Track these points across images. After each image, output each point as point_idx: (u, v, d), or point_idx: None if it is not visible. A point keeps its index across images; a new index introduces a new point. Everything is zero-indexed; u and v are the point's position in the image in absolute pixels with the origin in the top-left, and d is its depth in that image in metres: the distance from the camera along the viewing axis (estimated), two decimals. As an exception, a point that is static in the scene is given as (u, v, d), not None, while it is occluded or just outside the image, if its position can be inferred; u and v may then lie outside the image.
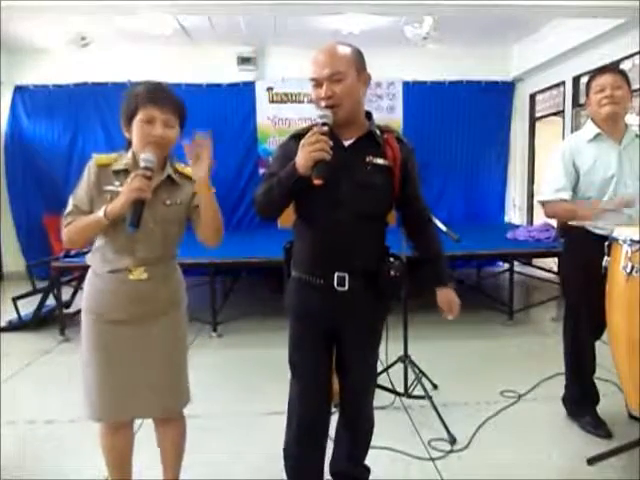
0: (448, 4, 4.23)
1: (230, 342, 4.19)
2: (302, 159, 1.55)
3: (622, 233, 2.17)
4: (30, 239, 6.36)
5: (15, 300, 4.51)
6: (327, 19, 5.25)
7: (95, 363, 1.75)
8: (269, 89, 6.48)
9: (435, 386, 3.13)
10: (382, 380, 2.95)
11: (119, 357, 1.74)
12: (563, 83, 5.92)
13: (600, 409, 2.63)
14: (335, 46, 1.67)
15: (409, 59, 6.33)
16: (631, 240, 2.11)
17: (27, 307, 4.57)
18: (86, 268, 1.82)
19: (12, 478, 2.31)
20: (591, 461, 2.31)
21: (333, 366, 1.88)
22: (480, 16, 5.06)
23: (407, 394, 2.93)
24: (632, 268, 2.09)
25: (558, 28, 5.46)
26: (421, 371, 3.00)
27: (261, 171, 6.29)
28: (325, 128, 1.58)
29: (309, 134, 1.57)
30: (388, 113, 6.55)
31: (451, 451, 2.48)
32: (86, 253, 1.83)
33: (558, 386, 2.83)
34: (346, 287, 1.71)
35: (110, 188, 1.68)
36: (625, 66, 4.73)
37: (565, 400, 2.75)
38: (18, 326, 4.50)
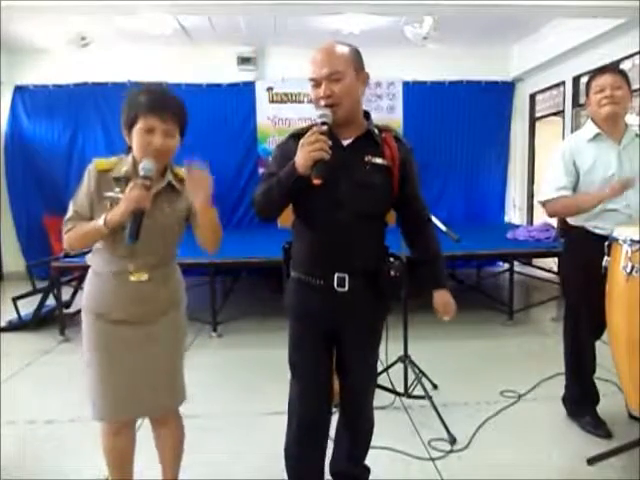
0: (448, 4, 4.23)
1: (230, 342, 4.19)
2: (301, 159, 1.55)
3: (622, 233, 2.17)
4: (30, 239, 6.36)
5: (15, 300, 4.51)
6: (327, 19, 5.25)
7: (96, 363, 1.75)
8: (269, 89, 6.48)
9: (435, 386, 3.13)
10: (382, 380, 2.95)
11: (119, 357, 1.74)
12: (563, 83, 5.93)
13: (600, 409, 2.63)
14: (333, 45, 1.67)
15: (409, 59, 6.33)
16: (631, 240, 2.11)
17: (27, 307, 4.57)
18: (86, 268, 1.81)
19: (12, 478, 2.31)
20: (591, 461, 2.31)
21: (333, 366, 1.88)
22: (480, 16, 5.06)
23: (407, 394, 2.93)
24: (632, 268, 2.10)
25: (558, 28, 5.46)
26: (421, 371, 3.00)
27: (261, 171, 6.28)
28: (324, 127, 1.58)
29: (308, 134, 1.57)
30: (388, 113, 6.55)
31: (451, 451, 2.48)
32: (86, 253, 1.82)
33: (558, 386, 2.83)
34: (346, 288, 1.70)
35: (110, 195, 1.67)
36: (625, 66, 4.73)
37: (565, 400, 2.75)
38: (18, 326, 4.49)
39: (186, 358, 1.90)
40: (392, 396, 2.93)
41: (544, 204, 2.56)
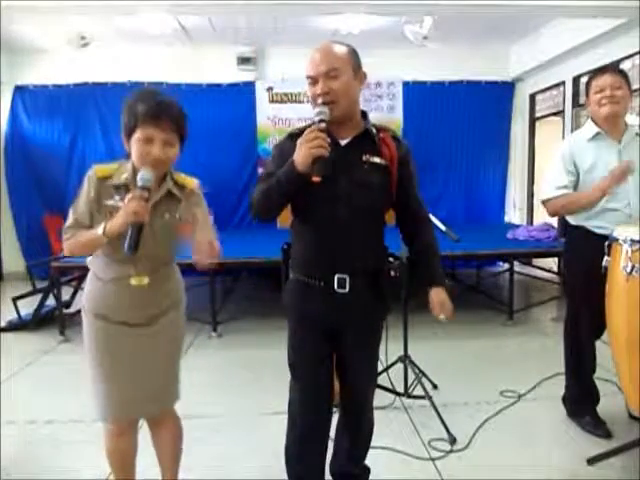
0: (448, 4, 4.24)
1: (230, 342, 4.19)
2: (301, 156, 1.55)
3: (622, 233, 2.17)
4: (30, 239, 6.36)
5: (15, 300, 4.51)
6: (327, 19, 5.26)
7: (97, 364, 1.75)
8: (269, 89, 6.48)
9: (435, 386, 3.13)
10: (382, 380, 2.94)
11: (120, 357, 1.74)
12: (563, 83, 5.93)
13: (600, 409, 2.63)
14: (331, 45, 1.67)
15: (409, 59, 6.33)
16: (631, 240, 2.11)
17: (27, 307, 4.58)
18: (86, 268, 1.81)
19: (12, 478, 2.31)
20: (591, 461, 2.31)
21: (333, 366, 1.88)
22: (480, 16, 5.06)
23: (407, 394, 2.93)
24: (632, 268, 2.10)
25: (558, 28, 5.46)
26: (421, 371, 3.00)
27: (260, 171, 6.28)
28: (323, 125, 1.58)
29: (307, 131, 1.57)
30: (388, 113, 6.55)
31: (451, 451, 2.48)
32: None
33: (558, 386, 2.83)
34: (347, 289, 1.70)
35: (110, 203, 1.66)
36: (625, 66, 4.73)
37: (565, 400, 2.75)
38: (18, 326, 4.49)
39: (186, 358, 1.90)
40: (392, 396, 2.93)
41: (545, 203, 2.56)
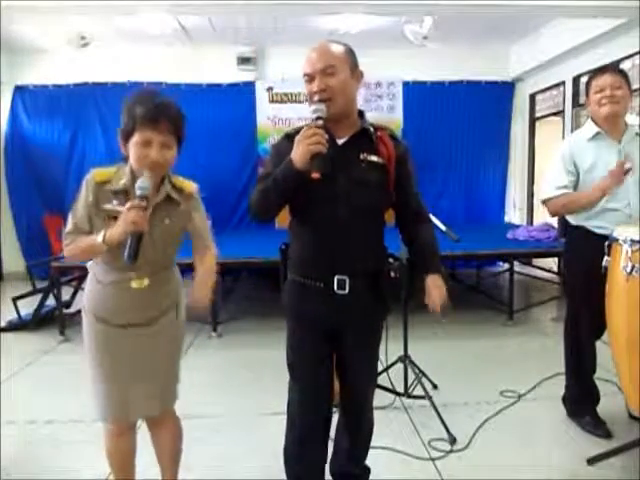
0: (448, 4, 4.24)
1: (230, 342, 4.19)
2: (299, 153, 1.54)
3: (622, 233, 2.17)
4: (30, 239, 6.36)
5: (15, 300, 4.51)
6: (327, 19, 5.26)
7: (97, 364, 1.76)
8: (269, 89, 6.48)
9: (435, 386, 3.13)
10: (382, 380, 2.94)
11: (120, 357, 1.74)
12: (563, 83, 5.93)
13: (600, 409, 2.63)
14: (328, 43, 1.67)
15: (409, 59, 6.33)
16: (631, 240, 2.11)
17: (27, 307, 4.58)
18: (86, 268, 1.81)
19: (12, 478, 2.31)
20: (591, 461, 2.31)
21: (333, 367, 1.88)
22: (480, 16, 5.06)
23: (407, 394, 2.93)
24: (632, 268, 2.09)
25: (558, 28, 5.46)
26: (421, 371, 3.00)
27: (261, 170, 6.29)
28: (320, 121, 1.57)
29: (305, 128, 1.57)
30: (388, 113, 6.55)
31: (451, 451, 2.48)
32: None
33: (558, 386, 2.83)
34: (346, 290, 1.69)
35: (108, 207, 1.66)
36: (625, 66, 4.73)
37: (565, 400, 2.75)
38: (18, 326, 4.49)
39: (186, 358, 1.90)
40: (392, 396, 2.93)
41: (545, 203, 2.56)
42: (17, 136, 6.38)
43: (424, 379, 3.00)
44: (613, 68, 2.75)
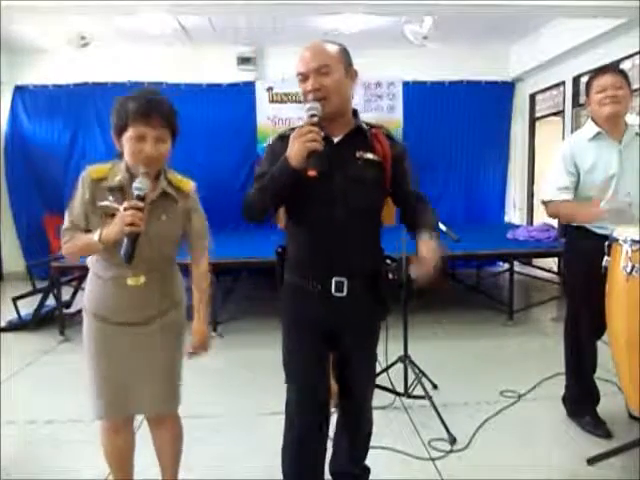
0: (448, 4, 4.24)
1: (230, 342, 4.19)
2: (294, 151, 1.53)
3: (622, 233, 2.17)
4: (30, 239, 6.36)
5: (15, 300, 4.51)
6: (327, 19, 5.25)
7: (95, 362, 1.76)
8: (269, 89, 6.48)
9: (435, 386, 3.13)
10: (382, 380, 2.95)
11: (117, 356, 1.74)
12: (563, 83, 5.93)
13: (600, 409, 2.63)
14: (322, 43, 1.66)
15: (409, 59, 6.33)
16: (631, 240, 2.11)
17: (27, 307, 4.58)
18: (86, 268, 1.82)
19: (12, 478, 2.31)
20: (591, 461, 2.31)
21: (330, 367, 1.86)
22: (480, 16, 5.06)
23: (407, 394, 2.92)
24: (632, 268, 2.09)
25: (558, 28, 5.46)
26: (421, 371, 3.00)
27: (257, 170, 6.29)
28: (315, 119, 1.56)
29: (299, 126, 1.56)
30: (388, 113, 6.55)
31: (451, 451, 2.48)
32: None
33: (558, 386, 2.84)
34: (344, 292, 1.68)
35: (105, 204, 1.66)
36: (625, 66, 4.73)
37: (565, 400, 2.75)
38: (18, 326, 4.49)
39: (185, 359, 1.90)
40: (392, 396, 2.93)
41: (545, 204, 2.56)
42: (17, 136, 6.38)
43: (424, 379, 3.00)
44: (614, 68, 2.75)
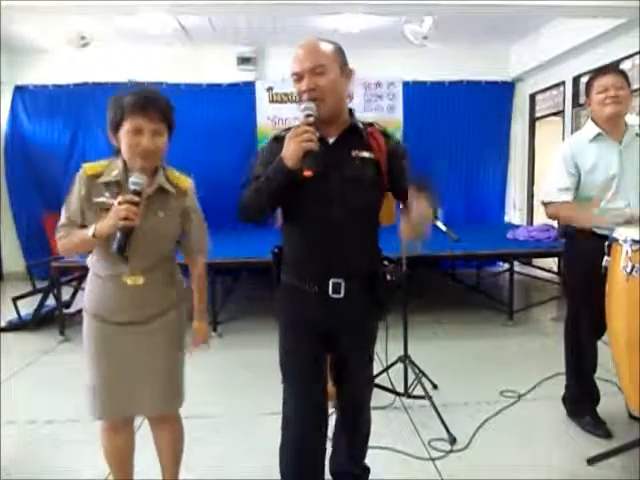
0: (448, 4, 4.24)
1: (230, 342, 4.19)
2: (290, 151, 1.51)
3: (622, 233, 2.17)
4: (30, 239, 6.37)
5: (15, 300, 4.51)
6: (327, 19, 5.25)
7: (94, 363, 1.76)
8: (269, 89, 6.48)
9: (435, 386, 3.13)
10: (382, 380, 2.95)
11: (118, 356, 1.74)
12: (563, 83, 5.93)
13: (600, 409, 2.63)
14: (316, 41, 1.64)
15: (409, 59, 6.33)
16: (631, 240, 2.11)
17: (27, 307, 4.57)
18: (86, 268, 1.82)
19: (12, 478, 2.31)
20: (591, 461, 2.32)
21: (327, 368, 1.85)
22: (480, 16, 5.07)
23: (407, 394, 2.92)
24: (632, 268, 2.09)
25: (558, 28, 5.46)
26: (421, 371, 3.00)
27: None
28: (311, 119, 1.54)
29: (294, 127, 1.55)
30: (388, 113, 6.55)
31: (451, 451, 2.48)
32: (87, 253, 1.82)
33: (558, 386, 2.84)
34: (342, 294, 1.66)
35: (101, 200, 1.66)
36: (625, 66, 4.73)
37: (565, 400, 2.75)
38: (18, 326, 4.49)
39: (186, 358, 1.90)
40: (392, 396, 2.93)
41: (545, 205, 2.56)
42: (17, 136, 6.38)
43: (424, 379, 3.00)
44: (615, 68, 2.76)
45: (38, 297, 4.60)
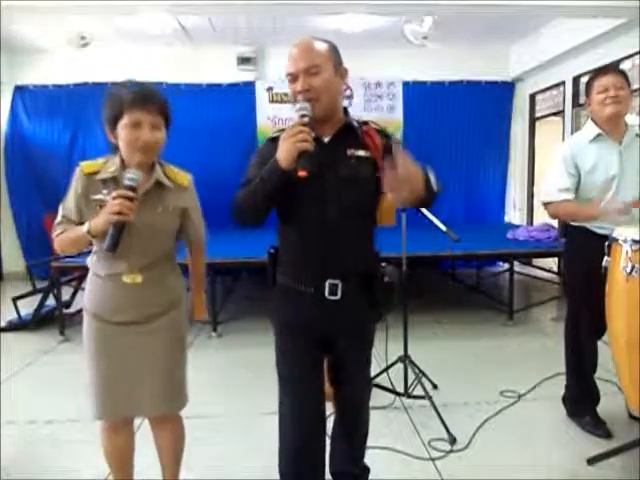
0: (448, 4, 4.24)
1: (230, 342, 4.19)
2: (284, 151, 1.50)
3: (622, 233, 2.17)
4: (30, 239, 6.37)
5: (15, 300, 4.51)
6: (327, 19, 5.25)
7: (94, 363, 1.76)
8: (269, 89, 6.48)
9: (435, 386, 3.13)
10: (382, 380, 2.95)
11: (118, 356, 1.74)
12: (563, 83, 5.93)
13: (600, 409, 2.63)
14: (310, 40, 1.62)
15: (409, 59, 6.33)
16: (631, 240, 2.11)
17: (27, 307, 4.58)
18: (86, 268, 1.81)
19: (12, 478, 2.31)
20: (591, 461, 2.31)
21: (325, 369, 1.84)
22: (480, 16, 5.07)
23: (407, 394, 2.92)
24: (632, 268, 2.09)
25: (558, 28, 5.46)
26: (421, 371, 3.00)
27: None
28: (305, 119, 1.53)
29: (289, 127, 1.54)
30: (388, 113, 6.55)
31: (451, 451, 2.48)
32: (87, 253, 1.82)
33: (558, 386, 2.84)
34: (338, 295, 1.64)
35: (98, 197, 1.66)
36: (625, 66, 4.73)
37: (565, 400, 2.75)
38: (18, 326, 4.49)
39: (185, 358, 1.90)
40: (392, 396, 2.93)
41: (546, 205, 2.56)
42: (17, 136, 6.38)
43: (424, 379, 3.00)
44: (615, 68, 2.76)
45: (38, 297, 4.60)
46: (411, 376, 2.94)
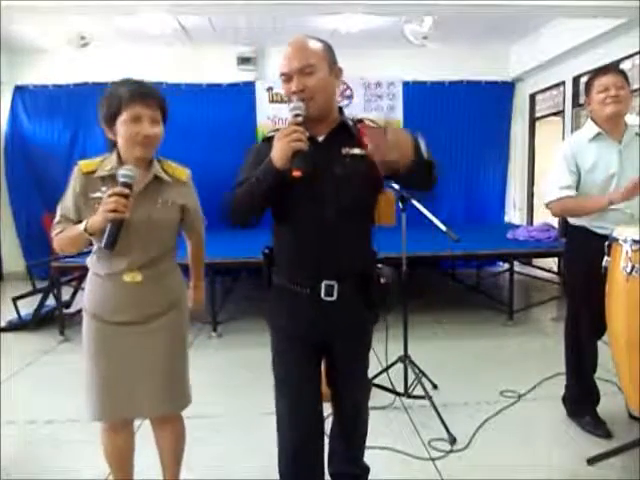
0: (448, 4, 4.24)
1: (230, 342, 4.19)
2: (279, 151, 1.48)
3: (622, 233, 2.17)
4: (30, 239, 6.37)
5: (15, 300, 4.51)
6: (327, 19, 5.25)
7: (94, 363, 1.75)
8: (269, 89, 6.48)
9: (435, 386, 3.13)
10: (382, 380, 2.95)
11: (118, 357, 1.74)
12: (563, 83, 5.93)
13: (600, 409, 2.63)
14: (305, 40, 1.61)
15: (409, 59, 6.33)
16: (631, 240, 2.11)
17: (27, 307, 4.58)
18: (86, 268, 1.81)
19: (12, 478, 2.31)
20: (591, 461, 2.31)
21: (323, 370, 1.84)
22: (480, 16, 5.07)
23: (407, 394, 2.92)
24: (632, 268, 2.09)
25: (558, 28, 5.46)
26: (421, 371, 3.00)
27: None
28: (299, 119, 1.52)
29: (283, 127, 1.54)
30: (388, 113, 6.55)
31: (451, 451, 2.48)
32: (87, 253, 1.82)
33: (558, 386, 2.84)
34: (334, 297, 1.63)
35: (96, 195, 1.66)
36: (625, 66, 4.73)
37: (565, 400, 2.75)
38: (18, 326, 4.50)
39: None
40: (392, 396, 2.93)
41: (550, 205, 2.54)
42: (17, 136, 6.38)
43: (424, 379, 3.00)
44: (615, 68, 2.76)
45: (38, 297, 4.60)
46: (411, 376, 2.94)
